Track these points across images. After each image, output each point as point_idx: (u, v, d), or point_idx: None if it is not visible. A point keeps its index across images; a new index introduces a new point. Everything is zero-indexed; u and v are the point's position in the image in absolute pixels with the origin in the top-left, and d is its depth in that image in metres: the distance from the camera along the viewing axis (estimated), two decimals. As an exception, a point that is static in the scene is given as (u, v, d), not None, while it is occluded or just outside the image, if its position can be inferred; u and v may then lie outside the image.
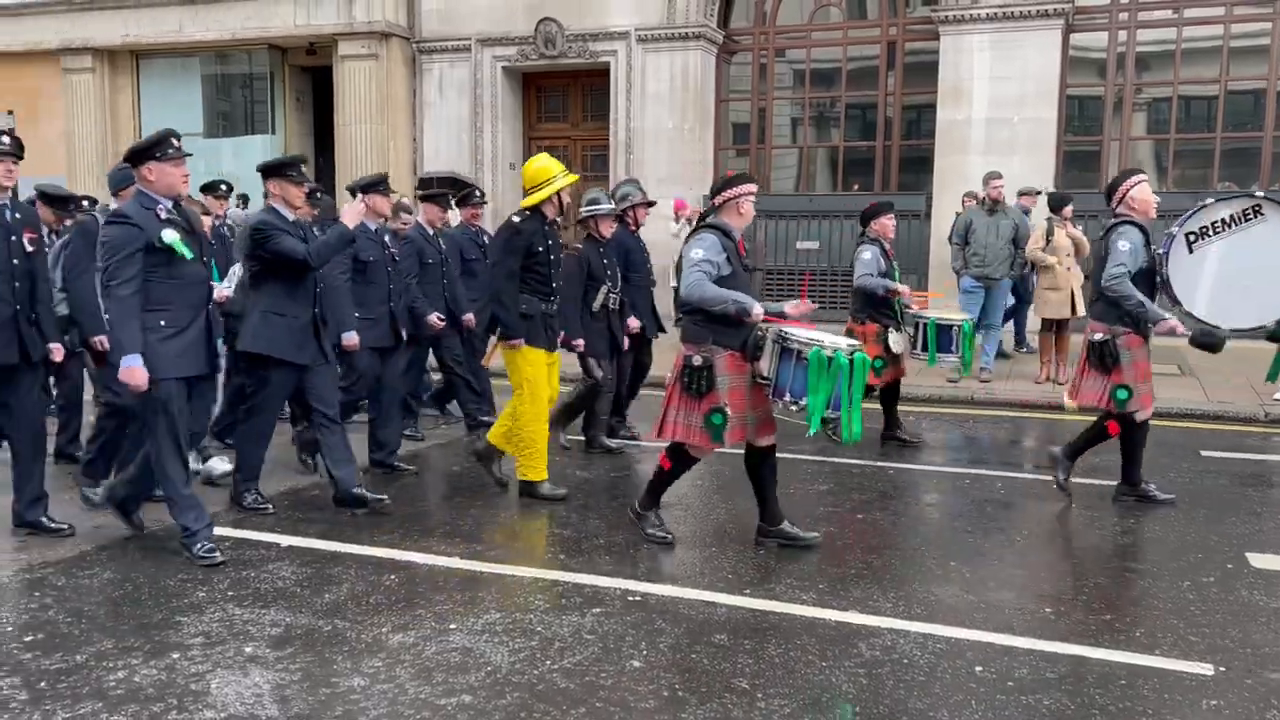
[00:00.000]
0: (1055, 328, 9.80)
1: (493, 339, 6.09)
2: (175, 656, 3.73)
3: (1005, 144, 12.90)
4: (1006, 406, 9.13)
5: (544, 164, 5.83)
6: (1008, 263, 9.93)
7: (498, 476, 6.15)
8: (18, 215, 5.02)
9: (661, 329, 7.65)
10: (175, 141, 4.68)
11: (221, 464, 6.32)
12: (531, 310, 5.78)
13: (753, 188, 5.05)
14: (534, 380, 5.82)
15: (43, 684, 3.50)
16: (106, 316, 4.81)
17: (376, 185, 6.55)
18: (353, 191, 6.65)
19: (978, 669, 3.71)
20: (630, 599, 4.36)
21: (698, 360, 4.79)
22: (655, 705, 3.41)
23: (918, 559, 4.97)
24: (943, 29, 13.33)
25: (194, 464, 6.17)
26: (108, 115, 17.13)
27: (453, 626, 4.03)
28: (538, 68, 15.36)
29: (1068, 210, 9.79)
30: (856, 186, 14.86)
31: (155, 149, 4.62)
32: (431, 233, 7.51)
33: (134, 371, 4.49)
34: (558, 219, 6.01)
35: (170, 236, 4.56)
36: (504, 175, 15.52)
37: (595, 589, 4.47)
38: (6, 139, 4.96)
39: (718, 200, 4.98)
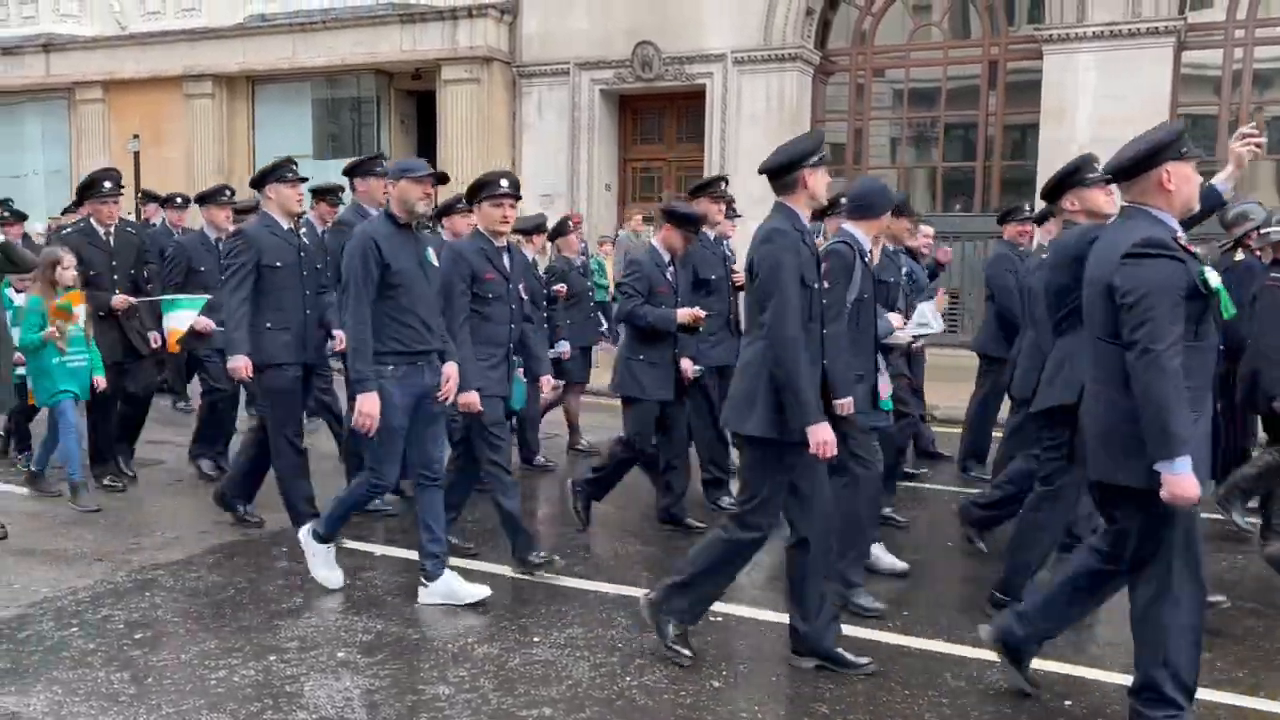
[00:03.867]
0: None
1: None
2: (272, 659, 3.88)
3: (1112, 164, 12.53)
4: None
5: None
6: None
7: None
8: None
9: None
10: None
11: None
12: None
13: None
14: None
15: (149, 679, 3.68)
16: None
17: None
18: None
19: (1067, 703, 3.61)
20: (712, 619, 4.36)
21: None
22: (734, 726, 3.41)
23: (1009, 589, 4.85)
24: (1047, 48, 13.06)
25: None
26: (225, 137, 17.94)
27: (536, 639, 4.10)
28: (634, 90, 15.54)
29: None
30: (958, 207, 14.62)
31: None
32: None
33: (1185, 481, 3.02)
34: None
35: (1216, 279, 3.17)
36: (599, 196, 15.76)
37: (678, 608, 4.48)
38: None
39: None
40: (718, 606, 4.47)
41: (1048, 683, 3.78)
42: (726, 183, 6.26)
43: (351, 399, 5.13)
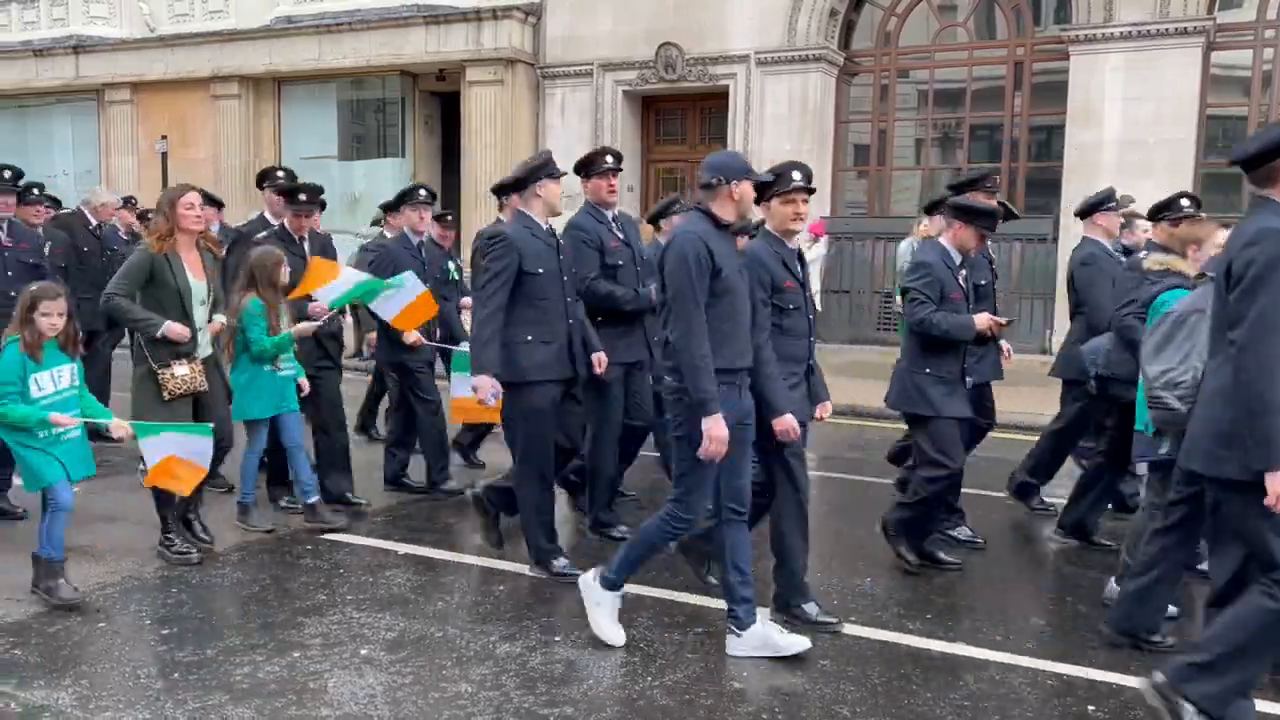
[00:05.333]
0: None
1: None
2: (296, 655, 3.91)
3: (1139, 166, 12.43)
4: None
5: None
6: (1138, 288, 9.54)
7: None
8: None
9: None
10: None
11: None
12: None
13: None
14: None
15: (176, 675, 3.73)
16: None
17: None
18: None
19: (1090, 708, 3.59)
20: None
21: None
22: (754, 727, 3.41)
23: (1034, 593, 4.83)
24: (1073, 48, 12.96)
25: None
26: (251, 138, 18.09)
27: (558, 639, 4.11)
28: (657, 91, 15.55)
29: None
30: (981, 209, 14.54)
31: None
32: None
33: None
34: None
35: None
36: (623, 197, 15.76)
37: (698, 608, 4.49)
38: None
39: None
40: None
41: (1071, 687, 3.76)
42: (999, 176, 5.84)
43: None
